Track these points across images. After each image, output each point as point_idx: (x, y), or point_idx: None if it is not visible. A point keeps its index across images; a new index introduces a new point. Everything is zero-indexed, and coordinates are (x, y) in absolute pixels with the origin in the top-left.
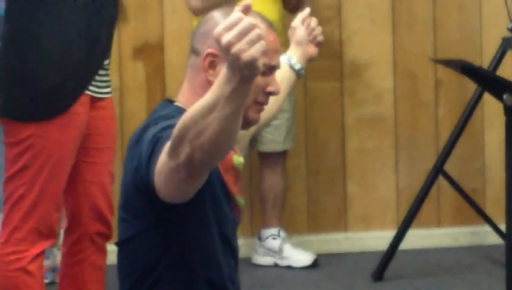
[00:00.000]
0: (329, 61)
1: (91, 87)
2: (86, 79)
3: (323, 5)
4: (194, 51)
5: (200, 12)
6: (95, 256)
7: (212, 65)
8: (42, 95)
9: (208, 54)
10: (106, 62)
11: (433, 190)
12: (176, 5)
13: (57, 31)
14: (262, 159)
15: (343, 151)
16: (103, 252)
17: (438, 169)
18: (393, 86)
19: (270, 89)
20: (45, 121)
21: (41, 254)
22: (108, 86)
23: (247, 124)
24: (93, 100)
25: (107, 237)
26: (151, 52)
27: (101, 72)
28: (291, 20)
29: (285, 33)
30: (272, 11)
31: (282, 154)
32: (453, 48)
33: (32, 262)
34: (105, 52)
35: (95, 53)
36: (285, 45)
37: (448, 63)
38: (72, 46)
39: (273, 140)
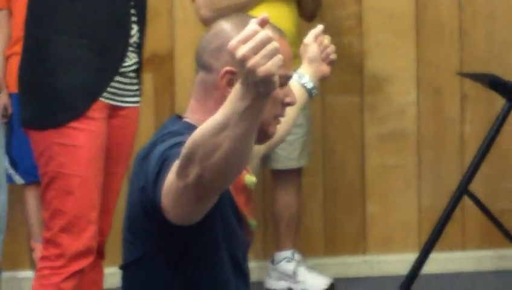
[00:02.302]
0: (349, 74)
1: (109, 95)
2: (100, 86)
3: (343, 15)
4: (205, 67)
5: (211, 22)
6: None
7: (231, 83)
8: (56, 102)
9: (226, 72)
10: (129, 69)
11: (458, 211)
12: (188, 14)
13: (71, 38)
14: (276, 178)
15: (363, 170)
16: (98, 266)
17: (463, 189)
18: (416, 100)
19: (287, 100)
20: (61, 126)
21: (78, 272)
22: (134, 96)
23: (265, 138)
24: (115, 108)
25: (98, 252)
26: (160, 64)
27: (123, 79)
28: (305, 29)
29: (299, 43)
30: (287, 20)
31: (297, 172)
32: (480, 61)
33: (67, 280)
34: (121, 60)
35: (110, 60)
36: (299, 56)
37: (476, 77)
38: (85, 53)
39: (287, 157)
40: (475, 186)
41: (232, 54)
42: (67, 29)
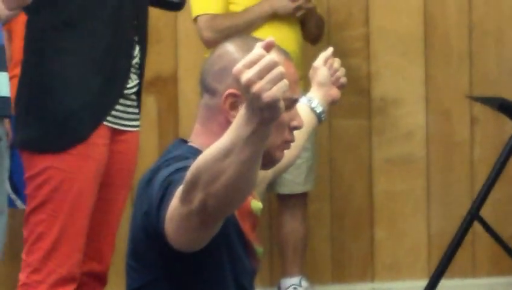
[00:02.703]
0: (356, 96)
1: (112, 118)
2: (104, 109)
3: (350, 36)
4: (209, 90)
5: (214, 43)
6: None
7: (234, 106)
8: (58, 125)
9: (229, 95)
10: (131, 91)
11: (468, 237)
12: (191, 34)
13: (73, 59)
14: (282, 202)
15: (371, 195)
16: None
17: (473, 214)
18: (425, 124)
19: (294, 123)
20: (62, 152)
21: None
22: (134, 119)
23: (271, 163)
24: (115, 133)
25: (100, 280)
26: (163, 86)
27: (125, 102)
28: (311, 51)
29: (303, 65)
30: (291, 41)
31: (303, 197)
32: (490, 84)
33: None
34: (125, 81)
35: (113, 82)
36: (304, 79)
37: (486, 101)
38: (88, 74)
39: (293, 181)
40: (485, 211)
41: (236, 78)
42: (70, 50)
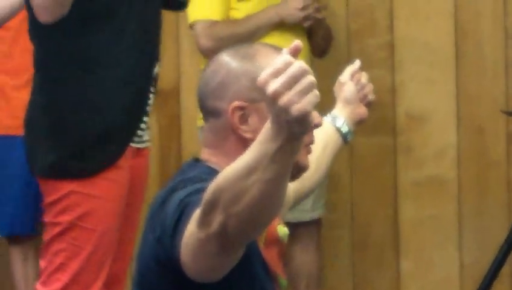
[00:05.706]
0: (379, 112)
1: (136, 138)
2: (132, 129)
3: (372, 45)
4: (212, 113)
5: (212, 52)
6: None
7: (243, 119)
8: (83, 150)
9: (235, 109)
10: (149, 108)
11: (505, 268)
12: (195, 44)
13: (97, 78)
14: (290, 232)
15: (396, 221)
16: None
17: (511, 243)
18: (456, 142)
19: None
20: (87, 178)
21: None
22: (147, 134)
23: (298, 173)
24: (135, 151)
25: None
26: (164, 101)
27: (145, 118)
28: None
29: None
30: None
31: (314, 225)
32: None
33: None
34: (148, 98)
35: (140, 101)
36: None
37: None
38: (116, 94)
39: (300, 208)
40: None
41: (262, 90)
42: (97, 64)
